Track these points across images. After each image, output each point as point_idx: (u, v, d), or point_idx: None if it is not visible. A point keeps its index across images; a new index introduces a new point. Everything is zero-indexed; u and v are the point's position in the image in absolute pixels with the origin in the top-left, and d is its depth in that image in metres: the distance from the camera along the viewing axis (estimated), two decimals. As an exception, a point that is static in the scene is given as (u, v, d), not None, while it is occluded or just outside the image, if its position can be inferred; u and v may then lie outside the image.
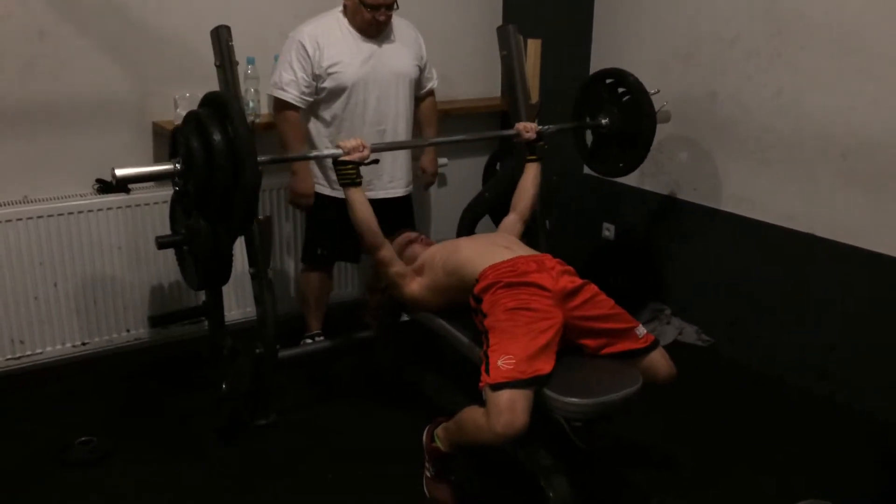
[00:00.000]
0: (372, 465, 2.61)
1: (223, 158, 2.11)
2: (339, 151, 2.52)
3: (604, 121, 3.14)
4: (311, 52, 2.85)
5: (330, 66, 2.87)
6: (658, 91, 3.07)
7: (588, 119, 3.20)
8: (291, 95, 2.87)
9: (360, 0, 2.80)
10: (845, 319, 3.01)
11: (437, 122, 3.29)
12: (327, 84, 2.89)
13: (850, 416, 2.94)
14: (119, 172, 2.14)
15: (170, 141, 2.31)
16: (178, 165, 2.19)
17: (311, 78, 2.88)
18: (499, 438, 2.06)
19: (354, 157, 2.50)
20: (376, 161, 2.66)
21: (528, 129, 2.88)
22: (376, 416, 2.91)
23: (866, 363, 2.95)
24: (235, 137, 2.13)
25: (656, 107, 3.05)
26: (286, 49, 2.90)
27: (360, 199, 2.55)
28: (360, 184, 2.54)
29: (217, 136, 2.11)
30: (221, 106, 2.21)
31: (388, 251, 2.60)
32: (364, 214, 2.54)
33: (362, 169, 2.99)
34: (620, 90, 3.14)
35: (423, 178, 3.31)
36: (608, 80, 3.17)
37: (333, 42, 2.88)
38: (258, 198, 2.24)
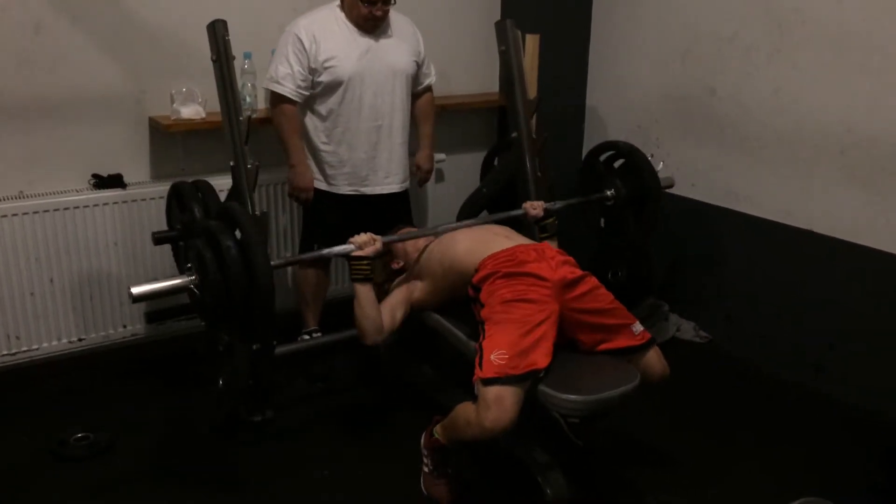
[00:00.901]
0: (369, 461, 2.61)
1: (236, 266, 2.16)
2: (351, 247, 2.44)
3: (609, 192, 3.16)
4: (307, 45, 2.83)
5: (326, 61, 2.85)
6: (653, 155, 3.13)
7: (594, 195, 3.22)
8: (287, 89, 2.85)
9: None
10: (844, 316, 3.00)
11: (433, 118, 3.27)
12: (323, 78, 2.88)
13: (849, 413, 2.94)
14: (135, 291, 2.17)
15: (182, 253, 2.35)
16: (193, 277, 2.23)
17: (307, 72, 2.86)
18: (486, 433, 2.06)
19: (368, 251, 2.43)
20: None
21: (534, 207, 2.84)
22: (374, 412, 2.91)
23: (865, 360, 2.95)
24: (246, 244, 2.18)
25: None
26: (282, 42, 2.88)
27: (370, 296, 2.43)
28: (371, 280, 2.45)
29: (228, 244, 2.16)
30: (231, 216, 2.26)
31: (388, 324, 2.48)
32: (371, 312, 2.42)
33: (361, 166, 2.99)
34: (616, 163, 3.19)
35: (418, 175, 3.29)
36: (602, 156, 3.22)
37: (330, 36, 2.86)
38: (274, 302, 2.26)
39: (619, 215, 3.22)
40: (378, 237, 2.48)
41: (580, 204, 3.21)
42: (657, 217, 3.16)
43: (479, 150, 3.71)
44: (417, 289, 2.59)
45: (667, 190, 3.21)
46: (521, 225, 3.06)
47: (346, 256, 2.46)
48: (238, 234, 2.24)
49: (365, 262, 2.43)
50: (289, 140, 2.92)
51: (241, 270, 2.17)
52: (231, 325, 2.33)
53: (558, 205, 2.95)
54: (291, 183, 3.02)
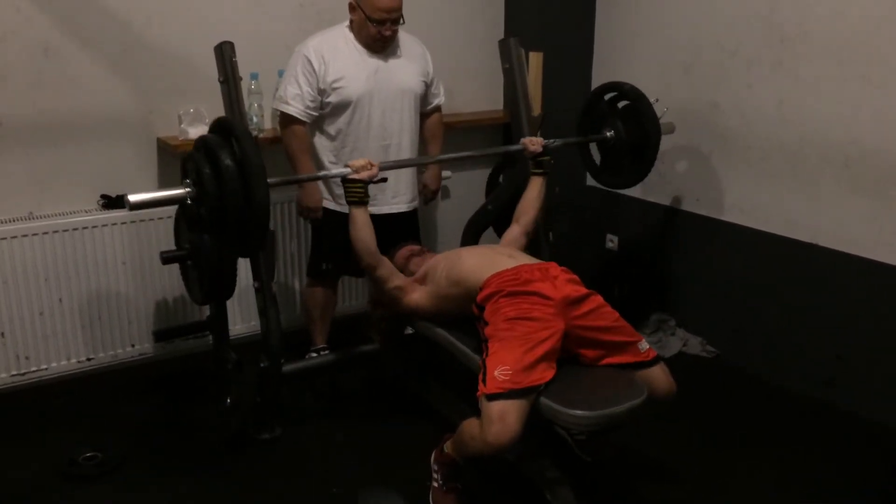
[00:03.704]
0: (377, 478, 2.60)
1: (233, 180, 2.16)
2: (348, 171, 2.55)
3: (608, 133, 3.15)
4: (316, 66, 2.86)
5: (335, 81, 2.87)
6: (658, 100, 3.09)
7: (593, 135, 3.21)
8: (296, 109, 2.88)
9: (366, 15, 2.81)
10: (851, 329, 2.99)
11: (442, 138, 3.28)
12: (332, 99, 2.90)
13: (859, 425, 2.93)
14: (133, 198, 2.19)
15: (181, 166, 2.34)
16: (190, 189, 2.24)
17: (316, 92, 2.88)
18: (490, 449, 2.07)
19: (363, 175, 2.54)
20: (384, 179, 2.69)
21: (533, 142, 2.90)
22: (381, 429, 2.90)
23: (873, 372, 2.94)
24: (243, 158, 2.18)
25: (658, 113, 3.06)
26: (292, 63, 2.91)
27: (364, 218, 2.57)
28: (367, 203, 2.57)
29: (226, 159, 2.16)
30: (229, 129, 2.26)
31: (384, 269, 2.62)
32: (364, 234, 2.56)
33: (369, 186, 3.01)
34: (621, 104, 3.15)
35: (424, 194, 3.31)
36: (607, 96, 3.19)
37: (339, 57, 2.88)
38: (269, 215, 2.26)
39: (616, 157, 3.20)
40: (375, 163, 2.57)
41: (578, 143, 3.24)
42: (653, 163, 3.14)
43: (484, 166, 3.73)
44: (419, 291, 2.63)
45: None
46: (516, 161, 3.11)
47: (343, 178, 2.57)
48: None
49: (359, 185, 2.54)
50: (298, 159, 2.94)
51: (238, 185, 2.17)
52: (224, 238, 2.33)
53: (557, 142, 2.98)
54: (300, 202, 3.04)
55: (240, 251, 2.47)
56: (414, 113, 3.06)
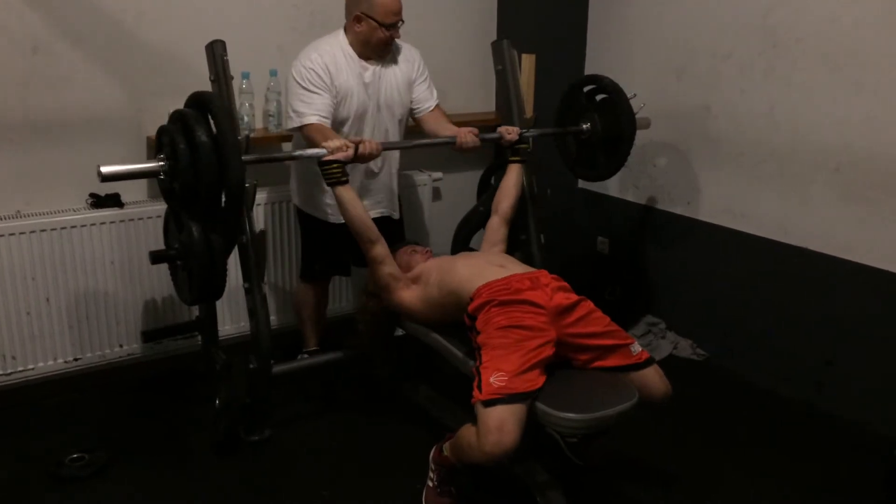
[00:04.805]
0: (368, 481, 2.60)
1: (207, 155, 2.12)
2: (323, 151, 2.53)
3: (585, 126, 3.15)
4: (325, 78, 2.75)
5: (334, 97, 2.79)
6: (635, 95, 3.07)
7: (570, 127, 3.19)
8: (315, 118, 2.73)
9: (378, 22, 2.73)
10: (841, 333, 3.01)
11: (447, 119, 3.07)
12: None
13: (848, 429, 2.94)
14: (105, 170, 2.13)
15: (155, 140, 2.29)
16: (163, 163, 2.20)
17: (331, 97, 2.76)
18: (488, 458, 2.06)
19: (338, 156, 2.53)
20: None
21: (509, 131, 2.93)
22: (372, 431, 2.90)
23: (863, 376, 2.95)
24: (219, 134, 2.14)
25: (634, 109, 3.06)
26: (295, 80, 2.76)
27: (350, 196, 2.57)
28: (346, 182, 2.56)
29: (201, 134, 2.13)
30: (205, 104, 2.22)
31: (382, 249, 2.62)
32: (356, 211, 2.57)
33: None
34: (599, 97, 3.16)
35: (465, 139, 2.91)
36: (586, 89, 3.18)
37: (341, 73, 2.80)
38: (244, 194, 2.22)
39: (592, 150, 3.18)
40: (351, 144, 2.56)
41: (555, 134, 3.24)
42: (626, 157, 3.10)
43: (475, 168, 3.72)
44: (411, 290, 2.63)
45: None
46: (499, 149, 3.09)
47: (318, 161, 2.55)
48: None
49: (335, 165, 2.53)
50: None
51: (212, 161, 2.13)
52: (197, 213, 2.31)
53: (533, 132, 3.01)
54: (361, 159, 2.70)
55: (213, 228, 2.42)
56: (403, 123, 3.01)
